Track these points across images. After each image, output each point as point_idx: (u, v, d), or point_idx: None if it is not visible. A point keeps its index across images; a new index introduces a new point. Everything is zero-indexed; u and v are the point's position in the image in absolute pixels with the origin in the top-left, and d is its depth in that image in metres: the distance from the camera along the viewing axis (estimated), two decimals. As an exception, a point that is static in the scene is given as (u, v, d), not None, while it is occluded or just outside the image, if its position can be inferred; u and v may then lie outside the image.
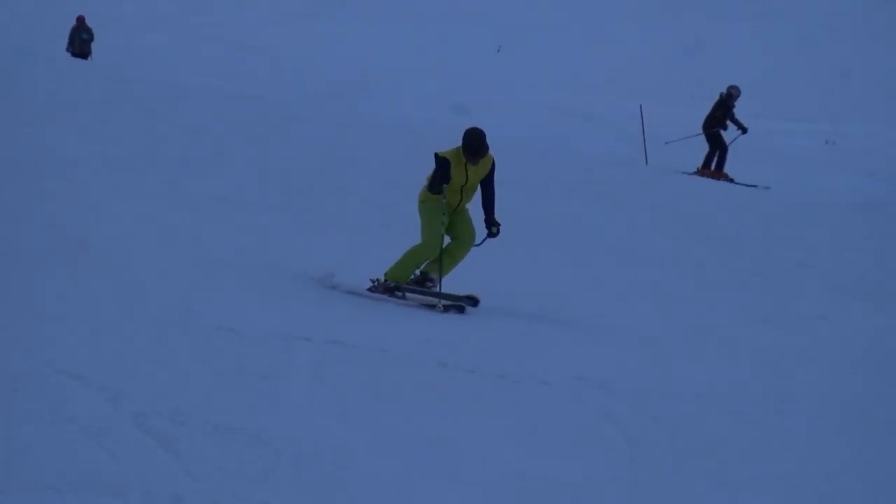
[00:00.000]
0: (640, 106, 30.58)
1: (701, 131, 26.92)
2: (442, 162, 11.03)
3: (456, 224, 11.25)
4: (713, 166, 26.57)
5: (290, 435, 6.43)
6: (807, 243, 18.26)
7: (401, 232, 13.22)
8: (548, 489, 6.41)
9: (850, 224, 21.57)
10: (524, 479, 6.48)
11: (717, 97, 26.86)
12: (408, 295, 11.16)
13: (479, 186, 11.22)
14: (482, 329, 10.39)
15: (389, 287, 11.14)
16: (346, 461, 6.23)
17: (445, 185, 11.01)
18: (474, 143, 10.90)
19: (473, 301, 11.09)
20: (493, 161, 11.14)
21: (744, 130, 26.00)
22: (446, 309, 10.92)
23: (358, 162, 19.95)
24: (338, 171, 18.64)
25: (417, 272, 11.26)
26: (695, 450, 7.53)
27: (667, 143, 28.94)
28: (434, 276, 11.21)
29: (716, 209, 20.76)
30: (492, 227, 11.21)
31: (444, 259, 11.19)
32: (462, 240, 11.27)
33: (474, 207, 11.31)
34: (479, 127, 11.01)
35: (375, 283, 11.18)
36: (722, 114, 26.37)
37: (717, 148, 26.61)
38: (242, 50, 48.17)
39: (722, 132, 26.45)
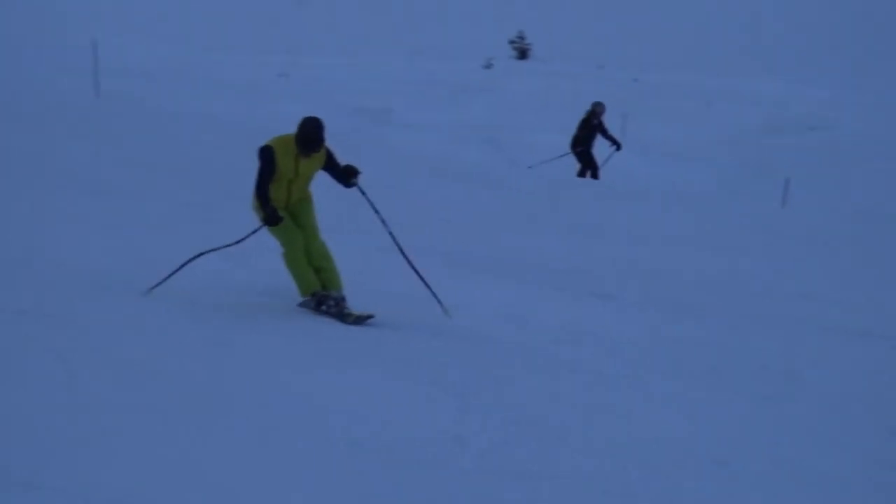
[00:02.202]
0: (94, 40, 30.62)
1: (569, 151, 25.78)
2: (265, 154, 9.78)
3: (298, 217, 10.27)
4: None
5: None
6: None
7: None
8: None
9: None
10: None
11: (583, 114, 25.46)
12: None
13: (311, 180, 10.27)
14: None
15: (322, 299, 10.28)
16: None
17: (272, 186, 9.93)
18: (311, 134, 9.71)
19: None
20: (328, 150, 10.10)
21: (618, 146, 25.21)
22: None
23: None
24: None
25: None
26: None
27: (529, 167, 26.95)
28: (335, 293, 10.32)
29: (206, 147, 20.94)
30: (351, 177, 10.24)
31: (322, 275, 10.30)
32: (311, 236, 10.30)
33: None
34: (319, 117, 9.89)
35: (307, 300, 10.33)
36: (587, 132, 25.13)
37: (589, 166, 25.54)
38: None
39: (591, 150, 25.33)
